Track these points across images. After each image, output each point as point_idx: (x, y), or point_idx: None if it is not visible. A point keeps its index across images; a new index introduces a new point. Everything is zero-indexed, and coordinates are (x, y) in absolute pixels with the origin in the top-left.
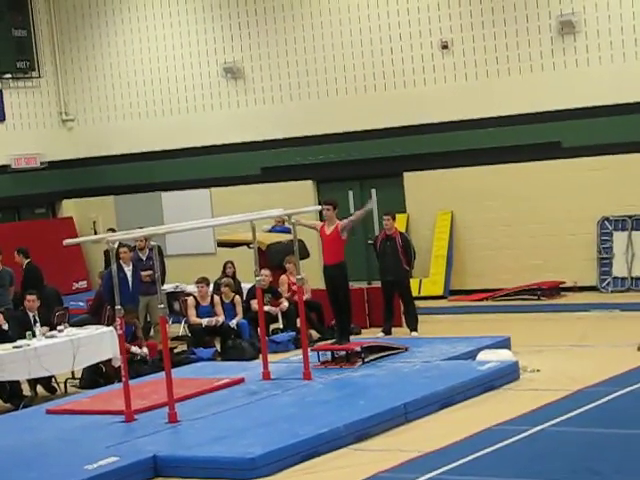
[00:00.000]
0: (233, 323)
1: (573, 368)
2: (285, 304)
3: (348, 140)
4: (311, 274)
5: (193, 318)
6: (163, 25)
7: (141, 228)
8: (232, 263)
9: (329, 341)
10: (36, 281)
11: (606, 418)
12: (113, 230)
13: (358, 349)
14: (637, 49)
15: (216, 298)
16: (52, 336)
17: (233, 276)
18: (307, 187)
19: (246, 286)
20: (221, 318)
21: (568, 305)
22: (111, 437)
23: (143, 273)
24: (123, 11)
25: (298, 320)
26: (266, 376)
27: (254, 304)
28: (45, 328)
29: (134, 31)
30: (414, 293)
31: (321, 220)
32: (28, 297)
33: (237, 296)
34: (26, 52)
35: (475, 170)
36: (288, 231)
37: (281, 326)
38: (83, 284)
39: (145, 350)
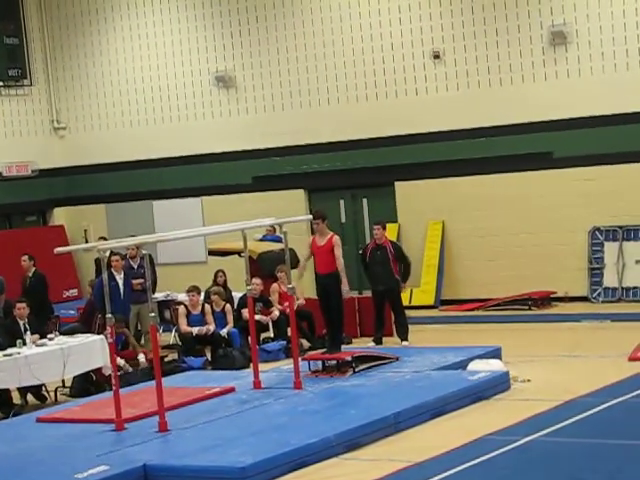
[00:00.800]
0: (224, 332)
1: (564, 378)
2: (276, 313)
3: (339, 149)
4: (302, 283)
5: (184, 327)
6: (155, 34)
7: (133, 236)
8: (223, 272)
9: (320, 350)
10: (44, 289)
11: (597, 428)
12: (104, 238)
13: (349, 358)
14: (629, 60)
15: (207, 307)
16: (42, 344)
17: (224, 285)
18: (299, 196)
19: (237, 295)
20: (212, 327)
21: (559, 315)
22: (101, 446)
23: (134, 281)
24: (115, 19)
25: (289, 329)
26: (257, 385)
27: (245, 313)
28: (35, 336)
29: (126, 39)
30: (405, 303)
31: (312, 233)
32: (18, 305)
33: (228, 305)
34: (18, 60)
35: (467, 180)
36: (279, 240)
37: (272, 335)
38: (74, 292)
39: (142, 357)
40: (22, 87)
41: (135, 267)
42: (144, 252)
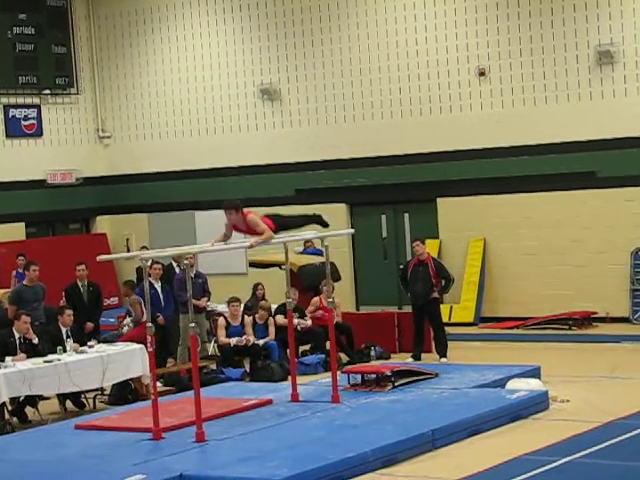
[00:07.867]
0: (261, 342)
1: (603, 399)
2: (308, 323)
3: (382, 164)
4: (343, 297)
5: (222, 338)
6: (201, 45)
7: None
8: (262, 285)
9: (359, 364)
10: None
11: (636, 451)
12: (146, 248)
13: (389, 373)
14: None
15: (247, 318)
16: (82, 352)
17: (262, 297)
18: (340, 210)
19: (274, 307)
20: (251, 338)
21: (599, 336)
22: (138, 454)
23: (196, 302)
24: (162, 30)
25: (327, 343)
26: (294, 398)
27: (279, 319)
28: (76, 344)
29: (172, 50)
30: (445, 319)
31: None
32: (67, 312)
33: (271, 318)
34: (65, 69)
35: (509, 198)
36: (320, 253)
37: (308, 348)
38: (114, 300)
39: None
40: (69, 95)
41: (192, 276)
42: (185, 262)
